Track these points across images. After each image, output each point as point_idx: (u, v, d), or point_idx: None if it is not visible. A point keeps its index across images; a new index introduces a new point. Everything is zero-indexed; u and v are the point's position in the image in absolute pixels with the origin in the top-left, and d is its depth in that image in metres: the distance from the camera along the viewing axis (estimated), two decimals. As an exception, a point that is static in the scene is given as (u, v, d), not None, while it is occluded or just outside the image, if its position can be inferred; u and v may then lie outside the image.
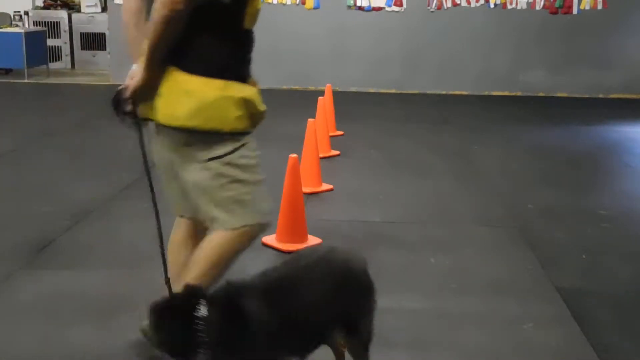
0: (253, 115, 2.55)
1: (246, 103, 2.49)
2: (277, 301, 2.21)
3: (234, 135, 2.48)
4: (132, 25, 2.59)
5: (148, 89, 2.45)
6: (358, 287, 2.46)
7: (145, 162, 2.68)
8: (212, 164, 2.46)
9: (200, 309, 2.13)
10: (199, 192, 2.52)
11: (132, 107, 2.58)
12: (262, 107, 2.61)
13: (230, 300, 2.17)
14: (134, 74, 2.53)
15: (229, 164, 2.47)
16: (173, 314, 2.17)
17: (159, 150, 2.68)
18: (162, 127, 2.52)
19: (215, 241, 2.54)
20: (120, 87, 2.61)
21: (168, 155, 2.62)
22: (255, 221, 2.55)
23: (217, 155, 2.45)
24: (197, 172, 2.49)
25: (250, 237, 2.56)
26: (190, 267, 2.57)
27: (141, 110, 2.56)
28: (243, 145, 2.52)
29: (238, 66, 2.60)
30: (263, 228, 2.62)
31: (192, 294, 2.19)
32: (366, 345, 2.51)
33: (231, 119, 2.44)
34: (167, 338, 2.18)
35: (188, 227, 2.82)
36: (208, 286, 2.38)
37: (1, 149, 6.36)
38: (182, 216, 2.81)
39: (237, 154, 2.49)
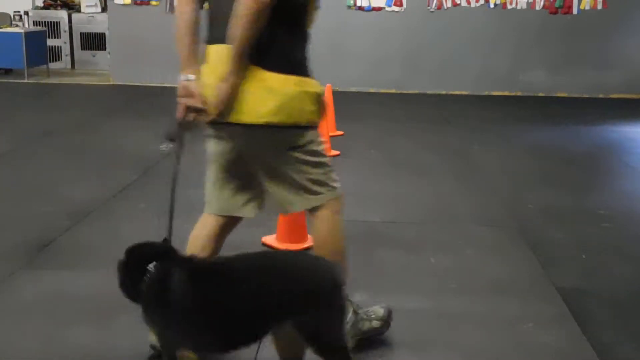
0: (322, 108, 2.68)
1: (318, 97, 2.63)
2: (207, 282, 2.24)
3: (309, 127, 2.63)
4: (189, 35, 2.67)
5: (234, 95, 2.50)
6: (315, 294, 2.26)
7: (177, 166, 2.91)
8: (294, 153, 2.61)
9: (152, 264, 2.33)
10: (281, 180, 2.68)
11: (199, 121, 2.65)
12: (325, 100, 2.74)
13: (170, 267, 2.30)
14: (192, 88, 2.72)
15: (307, 152, 2.64)
16: (133, 259, 2.43)
17: (223, 149, 2.84)
18: (235, 126, 2.58)
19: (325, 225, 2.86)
20: (183, 117, 2.77)
21: (236, 154, 2.76)
22: (336, 194, 2.85)
23: (298, 145, 2.61)
24: (279, 163, 2.64)
25: (339, 207, 2.87)
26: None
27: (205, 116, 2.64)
28: (316, 134, 2.69)
29: (307, 63, 2.70)
30: (341, 200, 2.90)
31: (158, 250, 2.41)
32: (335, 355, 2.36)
33: (307, 112, 2.58)
34: (121, 278, 2.48)
35: (214, 227, 2.94)
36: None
37: (1, 149, 6.36)
38: (216, 214, 2.96)
39: (313, 143, 2.66)
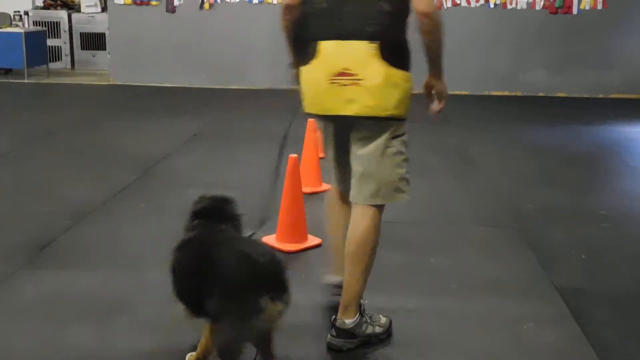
0: None
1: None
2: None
3: (405, 119, 2.90)
4: (293, 31, 2.92)
5: None
6: (224, 273, 2.44)
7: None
8: (395, 141, 2.88)
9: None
10: (376, 163, 2.88)
11: None
12: None
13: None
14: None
15: (404, 142, 2.93)
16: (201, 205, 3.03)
17: (328, 129, 3.02)
18: (352, 118, 2.79)
19: (366, 223, 2.96)
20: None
21: (346, 139, 2.92)
22: (404, 199, 3.05)
23: (399, 134, 2.89)
24: (375, 150, 2.85)
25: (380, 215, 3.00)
26: (352, 262, 2.97)
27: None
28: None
29: None
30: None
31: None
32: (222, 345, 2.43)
33: (409, 105, 2.86)
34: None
35: (340, 193, 3.12)
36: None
37: (1, 149, 6.36)
38: (341, 188, 3.11)
39: (406, 134, 2.94)
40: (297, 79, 2.99)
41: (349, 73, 2.71)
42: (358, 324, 2.96)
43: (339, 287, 3.04)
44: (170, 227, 4.42)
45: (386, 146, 2.85)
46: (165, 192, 5.16)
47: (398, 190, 2.98)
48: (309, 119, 5.33)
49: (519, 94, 10.50)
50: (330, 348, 2.97)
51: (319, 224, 4.38)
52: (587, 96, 10.36)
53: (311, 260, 3.99)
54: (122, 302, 3.39)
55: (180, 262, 2.71)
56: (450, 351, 3.00)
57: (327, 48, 2.74)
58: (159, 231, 4.37)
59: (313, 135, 5.23)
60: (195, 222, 2.86)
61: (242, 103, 9.39)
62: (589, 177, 5.98)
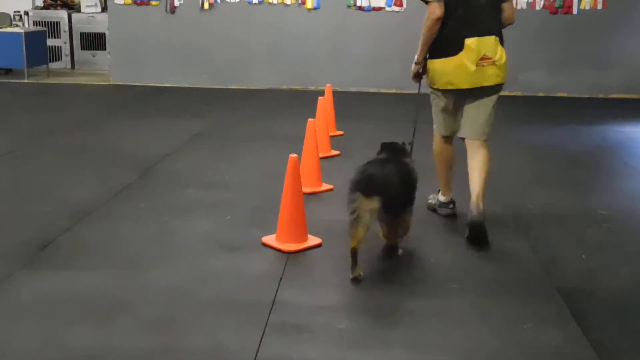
0: None
1: None
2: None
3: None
4: (435, 34, 4.22)
5: None
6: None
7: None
8: (496, 100, 4.46)
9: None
10: (490, 115, 4.49)
11: None
12: None
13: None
14: (417, 68, 4.48)
15: (498, 100, 4.47)
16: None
17: (450, 99, 4.42)
18: (491, 87, 4.36)
19: (485, 155, 4.46)
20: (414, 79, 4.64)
21: (464, 103, 4.41)
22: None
23: (498, 95, 4.45)
24: (492, 104, 4.45)
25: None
26: (480, 173, 4.40)
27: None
28: None
29: None
30: None
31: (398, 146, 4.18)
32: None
33: None
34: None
35: (447, 140, 4.61)
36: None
37: (1, 149, 6.36)
38: (447, 135, 4.58)
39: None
40: (423, 70, 4.44)
41: (487, 57, 4.19)
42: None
43: (446, 203, 4.68)
44: (170, 227, 4.45)
45: (496, 101, 4.46)
46: (165, 192, 5.16)
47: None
48: (309, 120, 5.33)
49: (519, 94, 10.50)
50: (474, 224, 4.18)
51: (319, 224, 4.38)
52: (587, 96, 10.35)
53: (311, 260, 3.99)
54: (122, 302, 3.39)
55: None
56: (450, 351, 3.00)
57: (471, 43, 4.15)
58: (159, 231, 4.38)
59: (313, 135, 5.23)
60: (380, 152, 4.14)
61: (242, 103, 9.39)
62: (589, 177, 5.98)
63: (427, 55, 4.35)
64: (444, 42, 4.21)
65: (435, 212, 4.72)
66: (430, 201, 4.76)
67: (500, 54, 4.21)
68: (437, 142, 4.65)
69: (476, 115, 4.39)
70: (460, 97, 4.36)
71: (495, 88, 4.33)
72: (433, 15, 4.14)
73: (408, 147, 4.27)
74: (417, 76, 4.51)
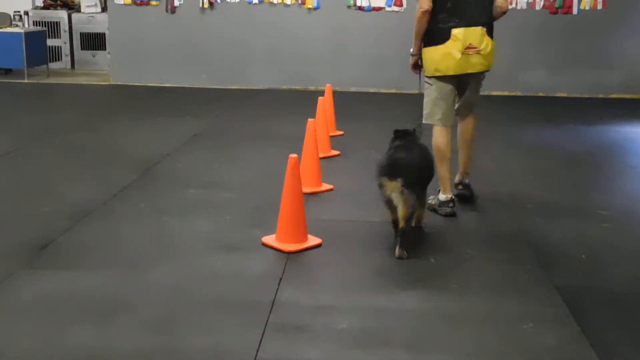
0: None
1: None
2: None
3: None
4: (425, 23, 4.67)
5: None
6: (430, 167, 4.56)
7: None
8: (481, 82, 4.87)
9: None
10: (477, 94, 4.91)
11: None
12: None
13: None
14: (415, 59, 4.92)
15: (482, 80, 4.90)
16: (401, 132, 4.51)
17: (447, 87, 4.75)
18: (475, 74, 4.77)
19: (474, 122, 4.95)
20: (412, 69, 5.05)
21: (455, 86, 4.77)
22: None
23: (484, 78, 4.87)
24: (479, 86, 4.90)
25: None
26: (467, 142, 4.97)
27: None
28: None
29: None
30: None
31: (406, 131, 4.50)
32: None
33: None
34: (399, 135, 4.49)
35: (449, 132, 4.81)
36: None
37: (1, 149, 6.36)
38: (447, 125, 4.80)
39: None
40: (420, 60, 4.84)
41: (473, 47, 4.58)
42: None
43: (446, 202, 4.75)
44: (170, 227, 4.45)
45: (481, 85, 4.89)
46: (165, 192, 5.16)
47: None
48: (309, 120, 5.33)
49: (519, 94, 10.50)
50: (461, 196, 4.92)
51: (319, 224, 4.39)
52: (587, 96, 10.35)
53: (311, 260, 3.99)
54: (122, 302, 3.39)
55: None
56: (450, 351, 3.01)
57: (458, 33, 4.54)
58: (159, 231, 4.38)
59: (313, 135, 5.23)
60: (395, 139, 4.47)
61: (242, 103, 9.39)
62: (589, 177, 5.98)
63: (422, 45, 4.78)
64: (433, 32, 4.63)
65: (436, 212, 4.75)
66: (430, 202, 4.76)
67: (486, 44, 4.62)
68: (437, 136, 4.78)
69: (466, 97, 4.87)
70: (449, 84, 4.71)
71: (481, 75, 4.80)
72: (422, 8, 4.61)
73: (418, 131, 4.62)
74: (416, 66, 4.93)
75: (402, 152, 4.27)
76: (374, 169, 4.19)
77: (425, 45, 4.73)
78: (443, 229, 4.51)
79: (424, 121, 4.85)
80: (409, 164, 4.15)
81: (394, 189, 4.00)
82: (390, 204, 4.08)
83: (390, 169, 4.07)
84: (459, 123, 4.96)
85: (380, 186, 4.11)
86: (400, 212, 3.99)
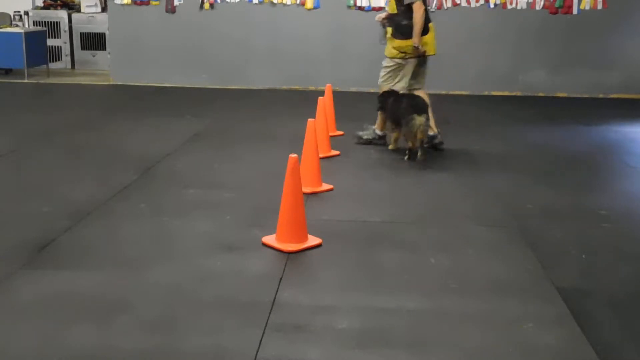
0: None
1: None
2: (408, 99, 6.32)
3: None
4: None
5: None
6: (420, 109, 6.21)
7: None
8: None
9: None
10: (425, 73, 6.65)
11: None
12: None
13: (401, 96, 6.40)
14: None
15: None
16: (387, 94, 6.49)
17: (419, 63, 6.56)
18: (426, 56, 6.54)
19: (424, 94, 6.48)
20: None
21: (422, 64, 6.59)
22: None
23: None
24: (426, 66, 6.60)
25: None
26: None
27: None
28: None
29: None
30: None
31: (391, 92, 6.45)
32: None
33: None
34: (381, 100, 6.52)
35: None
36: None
37: (1, 149, 6.36)
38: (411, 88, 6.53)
39: None
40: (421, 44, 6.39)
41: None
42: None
43: (382, 137, 6.77)
44: (170, 227, 4.45)
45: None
46: (165, 192, 5.17)
47: None
48: (309, 120, 5.33)
49: (519, 94, 10.51)
50: (437, 144, 6.59)
51: (319, 224, 4.39)
52: (587, 96, 10.36)
53: (311, 260, 3.99)
54: (122, 302, 3.39)
55: (393, 106, 6.30)
56: (450, 351, 3.01)
57: (432, 26, 6.48)
58: (159, 231, 4.38)
59: (313, 135, 5.23)
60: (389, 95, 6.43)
61: (242, 103, 9.39)
62: (589, 177, 5.98)
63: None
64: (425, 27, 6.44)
65: (370, 143, 6.74)
66: (366, 137, 6.79)
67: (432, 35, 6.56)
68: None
69: (424, 73, 6.66)
70: (421, 62, 6.53)
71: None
72: (421, 10, 6.28)
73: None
74: (404, 53, 6.49)
75: (415, 99, 6.20)
76: (397, 111, 6.18)
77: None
78: (443, 229, 4.51)
79: (404, 86, 6.52)
80: (425, 106, 6.17)
81: (421, 122, 5.98)
82: (415, 134, 6.03)
83: (418, 108, 6.03)
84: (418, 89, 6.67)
85: (411, 119, 5.98)
86: (420, 137, 6.06)
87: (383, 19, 6.61)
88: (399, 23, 6.40)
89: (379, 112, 6.66)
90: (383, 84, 6.60)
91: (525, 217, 4.77)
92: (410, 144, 6.14)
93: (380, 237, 4.33)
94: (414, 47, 6.32)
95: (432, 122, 6.42)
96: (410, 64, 6.50)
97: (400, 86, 6.48)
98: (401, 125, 6.18)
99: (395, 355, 2.96)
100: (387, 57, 6.59)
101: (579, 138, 7.53)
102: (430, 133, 6.41)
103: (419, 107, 6.05)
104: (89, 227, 4.41)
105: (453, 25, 10.40)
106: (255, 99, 9.69)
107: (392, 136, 6.55)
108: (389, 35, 6.53)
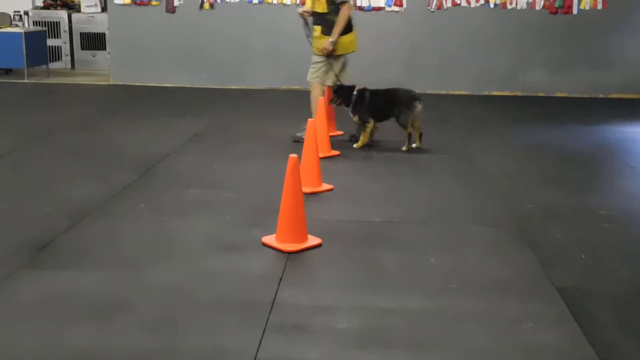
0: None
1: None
2: (373, 95, 6.69)
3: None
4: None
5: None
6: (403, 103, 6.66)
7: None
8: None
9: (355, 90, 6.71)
10: (347, 71, 6.93)
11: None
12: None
13: (363, 90, 6.71)
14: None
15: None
16: (344, 89, 6.72)
17: (340, 61, 6.83)
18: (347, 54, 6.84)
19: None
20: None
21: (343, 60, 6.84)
22: None
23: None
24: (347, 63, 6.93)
25: None
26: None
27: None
28: None
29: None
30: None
31: (350, 87, 6.73)
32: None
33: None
34: (339, 97, 6.72)
35: (325, 90, 6.84)
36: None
37: (1, 149, 6.36)
38: (328, 86, 6.86)
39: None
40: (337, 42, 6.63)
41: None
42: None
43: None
44: (170, 227, 4.45)
45: None
46: (165, 192, 5.17)
47: None
48: (309, 120, 5.33)
49: (519, 94, 10.51)
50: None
51: (319, 224, 4.39)
52: (587, 96, 10.36)
53: (311, 260, 3.99)
54: (122, 302, 3.39)
55: (372, 100, 6.64)
56: (450, 351, 3.01)
57: (354, 25, 6.69)
58: (159, 231, 4.38)
59: (313, 135, 5.23)
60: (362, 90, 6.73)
61: (242, 103, 9.39)
62: (589, 177, 5.98)
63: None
64: (347, 26, 6.61)
65: (299, 141, 6.45)
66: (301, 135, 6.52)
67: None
68: (320, 91, 6.77)
69: (346, 70, 6.94)
70: (343, 60, 6.83)
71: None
72: (349, 11, 6.57)
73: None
74: (332, 51, 6.65)
75: (401, 89, 6.75)
76: (397, 102, 6.57)
77: (342, 34, 6.60)
78: (443, 229, 4.51)
79: (318, 83, 6.81)
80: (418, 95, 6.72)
81: (421, 109, 6.54)
82: (414, 120, 6.55)
83: (418, 96, 6.59)
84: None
85: (414, 107, 6.50)
86: (419, 124, 6.61)
87: (305, 11, 6.77)
88: (330, 21, 6.53)
89: (313, 108, 6.90)
90: (314, 79, 6.77)
91: (525, 217, 4.77)
92: (407, 131, 6.56)
93: (380, 237, 4.33)
94: (330, 41, 6.54)
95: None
96: (339, 61, 6.78)
97: (330, 82, 6.76)
98: (382, 119, 6.65)
99: (395, 355, 2.96)
100: (315, 54, 6.77)
101: (579, 138, 7.53)
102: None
103: (414, 95, 6.59)
104: (89, 227, 4.41)
105: (453, 25, 10.42)
106: (255, 99, 9.70)
107: (364, 132, 6.66)
108: (318, 33, 6.64)
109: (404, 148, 6.58)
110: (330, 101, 6.73)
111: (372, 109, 6.56)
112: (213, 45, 10.64)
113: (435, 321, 3.27)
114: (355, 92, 6.60)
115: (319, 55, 6.71)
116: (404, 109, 6.50)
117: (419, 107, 6.49)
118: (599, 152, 6.92)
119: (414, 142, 6.67)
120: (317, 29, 6.66)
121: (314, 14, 6.69)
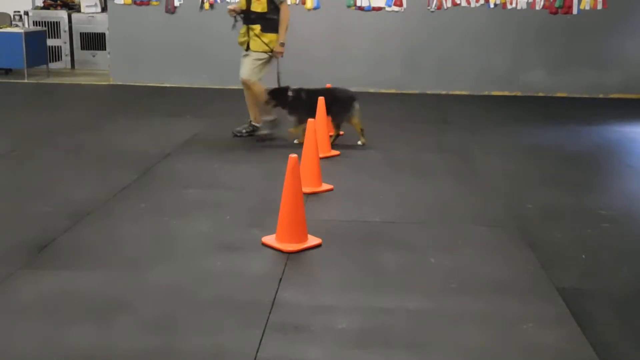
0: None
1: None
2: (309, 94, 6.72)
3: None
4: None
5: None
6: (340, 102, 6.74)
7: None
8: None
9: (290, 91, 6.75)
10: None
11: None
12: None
13: (299, 90, 6.78)
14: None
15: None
16: (280, 90, 6.79)
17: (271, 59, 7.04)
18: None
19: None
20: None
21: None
22: None
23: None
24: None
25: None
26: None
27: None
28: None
29: None
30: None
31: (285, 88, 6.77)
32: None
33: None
34: (274, 98, 6.78)
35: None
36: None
37: (1, 149, 6.36)
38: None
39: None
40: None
41: None
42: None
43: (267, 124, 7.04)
44: (170, 227, 4.45)
45: None
46: (165, 192, 5.16)
47: None
48: (309, 120, 5.33)
49: (519, 94, 10.51)
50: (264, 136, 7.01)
51: (319, 224, 4.39)
52: (587, 96, 10.36)
53: (311, 260, 3.99)
54: (122, 302, 3.39)
55: (304, 101, 6.67)
56: (450, 351, 3.01)
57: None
58: (159, 231, 4.38)
59: (313, 135, 5.23)
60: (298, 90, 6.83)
61: (242, 103, 9.37)
62: (589, 177, 5.98)
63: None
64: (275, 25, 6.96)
65: (264, 140, 6.90)
66: (264, 131, 7.01)
67: None
68: (260, 86, 6.95)
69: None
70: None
71: None
72: (288, 10, 6.98)
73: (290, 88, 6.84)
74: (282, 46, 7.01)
75: (339, 89, 6.92)
76: (334, 102, 6.59)
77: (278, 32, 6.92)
78: (443, 229, 4.51)
79: (257, 80, 6.94)
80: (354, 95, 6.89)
81: (358, 108, 6.67)
82: (351, 118, 6.69)
83: (355, 96, 6.73)
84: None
85: (353, 107, 6.64)
86: (358, 121, 6.73)
87: (233, 9, 7.03)
88: (270, 19, 6.82)
89: (251, 105, 7.10)
90: (252, 76, 6.88)
91: (525, 217, 4.77)
92: (338, 131, 6.74)
93: (380, 237, 4.33)
94: (281, 43, 6.93)
95: (255, 113, 7.06)
96: (268, 61, 7.06)
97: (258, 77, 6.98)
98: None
99: (395, 355, 2.96)
100: (256, 51, 6.87)
101: (579, 138, 7.53)
102: (257, 124, 7.08)
103: (351, 94, 6.78)
104: (89, 227, 4.41)
105: (453, 25, 10.41)
106: (255, 99, 9.68)
107: (299, 129, 6.63)
108: (257, 31, 6.83)
109: (359, 142, 6.79)
110: (265, 103, 6.81)
111: (310, 109, 6.39)
112: (213, 45, 10.63)
113: (435, 321, 3.27)
114: (291, 93, 6.68)
115: (260, 52, 6.88)
116: (340, 109, 6.59)
117: (356, 106, 6.64)
118: (599, 152, 6.92)
119: (359, 140, 6.80)
120: (256, 27, 6.85)
121: (249, 12, 6.88)
